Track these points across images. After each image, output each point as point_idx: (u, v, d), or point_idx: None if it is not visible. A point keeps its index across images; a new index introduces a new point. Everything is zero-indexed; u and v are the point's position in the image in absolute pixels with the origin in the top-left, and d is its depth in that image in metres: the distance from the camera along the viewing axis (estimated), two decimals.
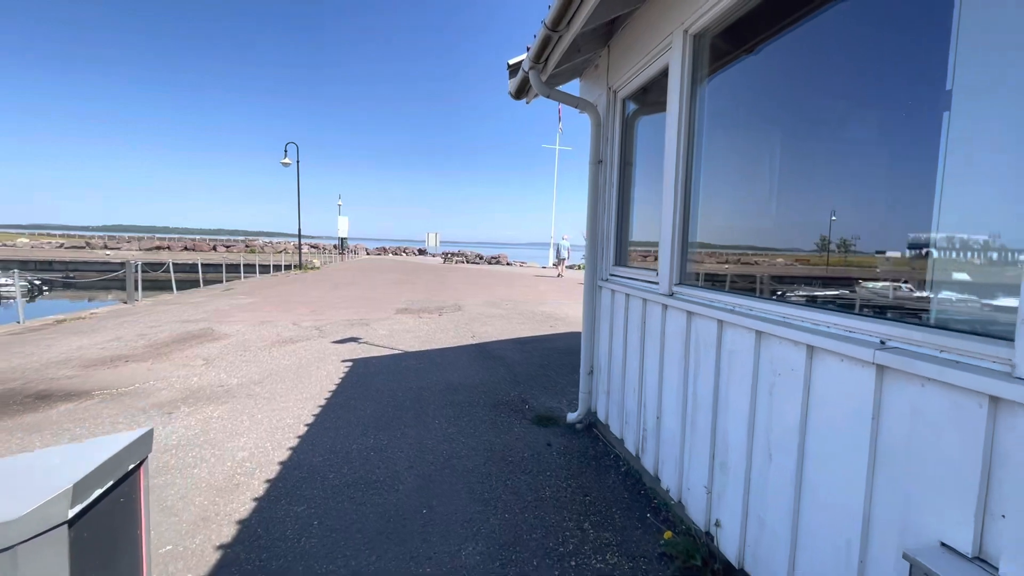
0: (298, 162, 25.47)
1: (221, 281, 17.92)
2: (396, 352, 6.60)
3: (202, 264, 18.16)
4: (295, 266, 26.26)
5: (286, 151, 24.70)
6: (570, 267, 32.32)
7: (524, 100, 4.25)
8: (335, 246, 46.83)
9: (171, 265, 14.62)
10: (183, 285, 16.28)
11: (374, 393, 4.75)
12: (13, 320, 8.76)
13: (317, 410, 4.28)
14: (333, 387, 4.96)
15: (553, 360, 6.16)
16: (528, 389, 4.96)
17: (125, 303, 11.58)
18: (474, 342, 7.27)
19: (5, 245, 48.52)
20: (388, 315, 9.99)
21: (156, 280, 26.33)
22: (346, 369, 5.67)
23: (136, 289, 12.15)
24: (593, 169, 3.74)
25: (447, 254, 45.31)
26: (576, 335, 7.82)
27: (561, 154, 32.51)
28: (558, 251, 25.20)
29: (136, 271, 12.45)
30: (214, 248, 50.25)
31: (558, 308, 11.38)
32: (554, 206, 32.21)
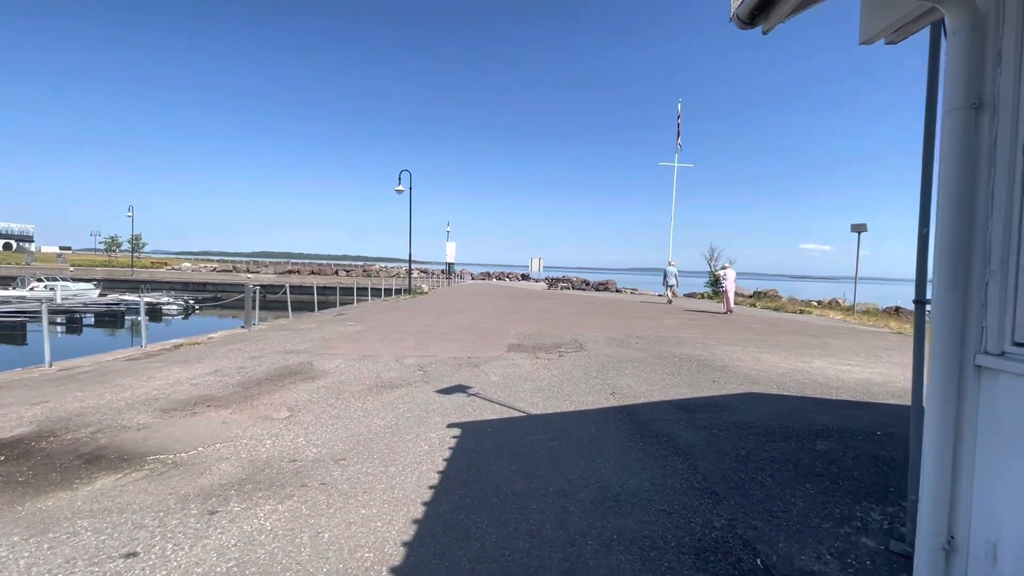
0: (411, 189, 25.83)
1: (336, 304, 18.03)
2: (516, 415, 4.99)
3: (322, 287, 18.56)
4: (405, 291, 26.44)
5: (400, 179, 25.16)
6: (688, 295, 29.14)
7: (760, 25, 2.47)
8: (442, 271, 47.82)
9: (288, 288, 14.72)
10: (306, 307, 16.53)
11: (495, 500, 3.13)
12: (140, 343, 8.72)
13: (410, 533, 2.75)
14: (436, 478, 3.43)
15: (755, 450, 4.12)
16: (741, 514, 3.02)
17: (243, 327, 11.48)
18: (617, 404, 5.44)
19: (172, 269, 56.52)
20: (499, 352, 8.52)
21: (280, 301, 28.28)
22: (453, 442, 4.16)
23: (254, 310, 12.12)
24: (957, 122, 1.83)
25: (551, 279, 43.91)
26: (765, 399, 5.65)
27: (680, 172, 29.76)
28: (666, 276, 23.02)
29: (255, 295, 12.48)
30: (336, 272, 54.06)
31: (708, 351, 9.13)
32: (672, 228, 29.41)
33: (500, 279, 57.32)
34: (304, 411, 4.97)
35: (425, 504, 3.06)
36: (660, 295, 29.00)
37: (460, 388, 6.01)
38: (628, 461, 3.80)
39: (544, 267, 50.56)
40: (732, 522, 2.90)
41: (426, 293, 26.47)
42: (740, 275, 35.19)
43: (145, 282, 39.54)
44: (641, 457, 3.88)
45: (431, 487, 3.30)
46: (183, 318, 28.04)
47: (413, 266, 34.41)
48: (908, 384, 7.20)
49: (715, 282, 28.66)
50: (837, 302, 23.42)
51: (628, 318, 15.21)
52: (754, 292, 28.27)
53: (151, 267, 56.89)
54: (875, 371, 7.71)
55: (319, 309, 15.99)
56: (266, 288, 16.24)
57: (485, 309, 17.08)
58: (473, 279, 55.98)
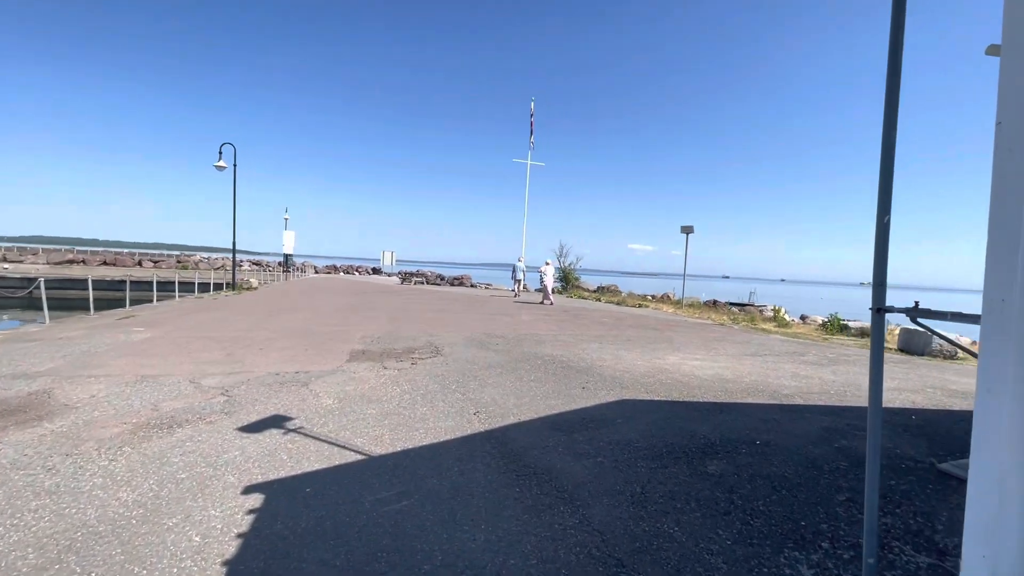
0: (235, 166, 21.90)
1: (126, 304, 14.16)
2: (352, 459, 3.70)
3: (109, 281, 14.40)
4: (228, 285, 22.41)
5: (220, 153, 21.13)
6: (539, 289, 29.94)
7: None
8: (280, 263, 42.48)
9: (43, 283, 10.90)
10: (100, 305, 12.56)
11: None
12: None
13: None
14: None
15: (649, 482, 3.45)
16: None
17: None
18: (483, 428, 4.45)
19: None
20: (338, 364, 6.99)
21: (65, 299, 21.81)
22: (248, 522, 2.74)
23: None
24: None
25: (405, 274, 41.84)
26: (639, 408, 5.14)
27: (533, 170, 30.34)
28: (515, 271, 23.56)
29: None
30: (139, 263, 44.54)
31: (569, 350, 8.72)
32: (524, 224, 29.85)
33: (349, 273, 53.22)
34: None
35: None
36: (512, 290, 29.29)
37: (276, 421, 4.47)
38: (504, 522, 2.81)
39: (397, 261, 48.23)
40: None
41: (254, 289, 22.78)
42: (584, 271, 37.54)
43: None
44: (520, 512, 2.93)
45: None
46: None
47: (246, 258, 29.64)
48: (753, 378, 7.68)
49: (563, 278, 29.83)
50: (668, 296, 25.95)
51: (486, 315, 14.53)
52: (598, 288, 30.09)
53: None
54: (720, 365, 8.00)
55: (98, 310, 12.29)
56: (31, 281, 11.97)
57: (327, 307, 14.94)
58: (317, 273, 51.03)
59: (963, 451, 4.13)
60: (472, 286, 35.91)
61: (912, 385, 7.09)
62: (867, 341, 13.11)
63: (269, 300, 17.03)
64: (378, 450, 3.86)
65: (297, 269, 44.51)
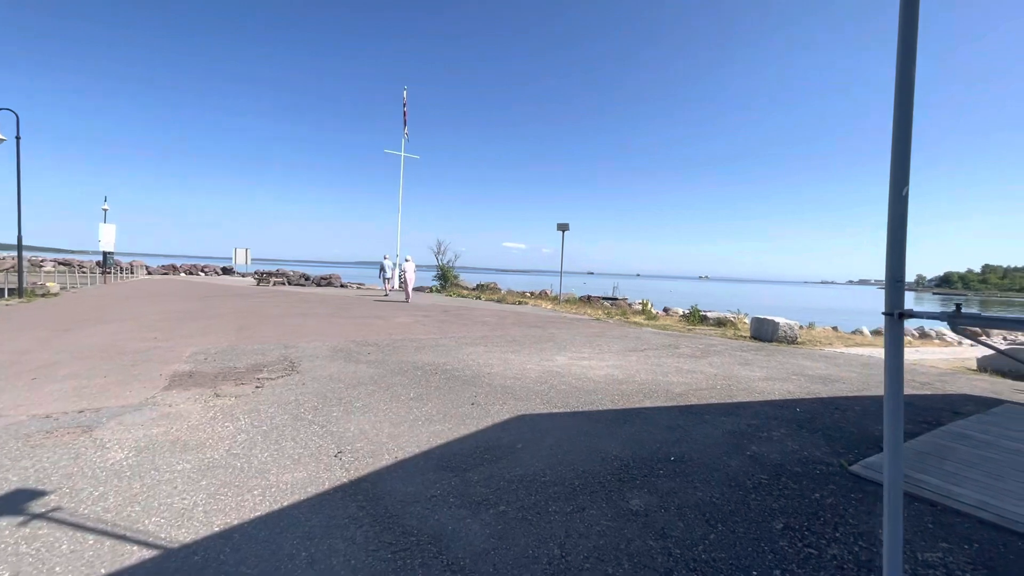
0: (18, 139, 17.11)
1: None
2: (135, 559, 2.41)
3: None
4: (11, 291, 17.52)
5: None
6: (417, 289, 28.59)
7: None
8: (98, 263, 35.07)
9: None
10: None
11: None
12: None
13: None
14: None
15: (567, 537, 2.70)
16: None
17: None
18: (347, 477, 3.37)
19: None
20: (150, 393, 5.28)
21: None
22: None
23: None
24: None
25: (262, 273, 37.20)
26: (540, 426, 4.41)
27: (409, 164, 28.80)
28: (382, 270, 22.65)
29: None
30: None
31: (452, 355, 7.82)
32: (399, 221, 28.22)
33: (192, 274, 46.12)
34: None
35: None
36: (393, 289, 27.54)
37: (17, 501, 2.92)
38: None
39: (254, 260, 42.92)
40: None
41: (54, 295, 18.15)
42: (463, 269, 36.86)
43: None
44: None
45: None
46: None
47: (55, 257, 23.62)
48: (644, 376, 7.36)
49: (442, 276, 28.83)
50: (546, 293, 26.35)
51: (356, 318, 12.99)
52: (477, 285, 29.60)
53: None
54: (609, 364, 7.75)
55: None
56: None
57: (151, 316, 12.14)
58: (150, 274, 43.38)
59: (858, 447, 4.11)
60: (342, 286, 33.14)
61: (779, 373, 7.48)
62: (725, 331, 14.30)
63: (71, 309, 13.47)
64: (182, 535, 2.60)
65: (123, 270, 37.17)
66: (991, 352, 10.09)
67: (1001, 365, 8.88)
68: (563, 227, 21.67)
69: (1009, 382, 7.94)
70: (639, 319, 16.43)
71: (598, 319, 15.89)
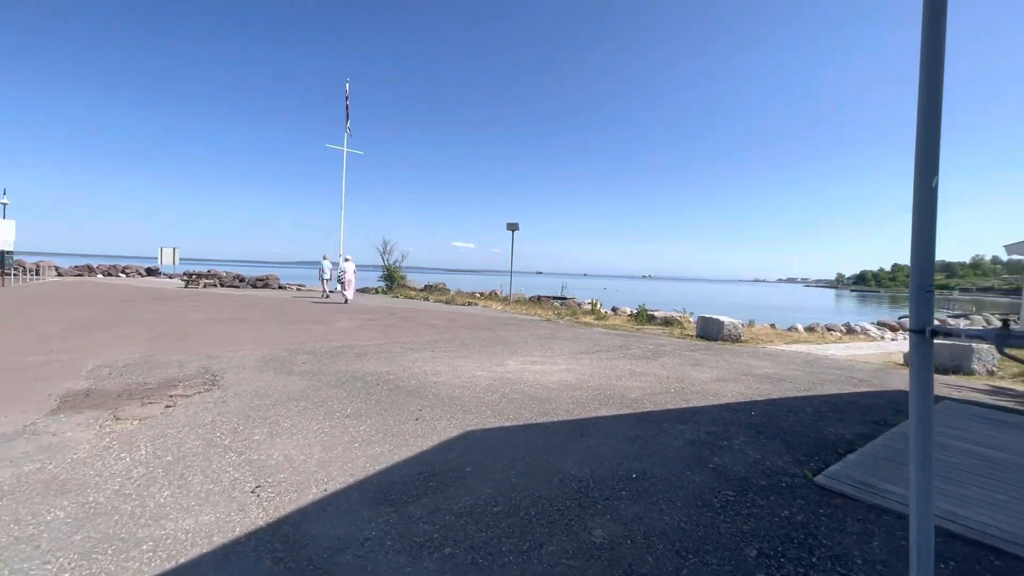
0: None
1: None
2: None
3: None
4: None
5: None
6: (362, 290, 27.51)
7: None
8: None
9: None
10: None
11: None
12: None
13: None
14: None
15: None
16: None
17: None
18: (264, 520, 2.84)
19: None
20: (31, 417, 4.45)
21: None
22: None
23: None
24: None
25: (192, 275, 34.57)
26: (490, 443, 4.01)
27: (353, 160, 27.63)
28: (321, 270, 21.59)
29: None
30: None
31: (397, 363, 7.29)
32: (343, 219, 27.04)
33: (111, 275, 42.31)
34: None
35: None
36: (333, 291, 26.33)
37: None
38: None
39: (183, 260, 39.92)
40: None
41: None
42: (409, 269, 35.83)
43: None
44: None
45: None
46: None
47: None
48: (598, 381, 7.10)
49: (388, 276, 27.88)
50: (496, 293, 26.02)
51: (293, 323, 12.11)
52: (425, 286, 28.83)
53: None
54: (561, 368, 7.50)
55: None
56: None
57: (51, 324, 10.73)
58: (61, 275, 39.35)
59: (818, 454, 4.02)
60: (281, 287, 31.35)
61: (729, 374, 7.49)
62: (672, 330, 14.50)
63: None
64: None
65: (27, 271, 33.41)
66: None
67: (704, 330, 9.54)
68: (513, 227, 21.43)
69: (935, 376, 8.36)
70: (589, 319, 16.42)
71: (549, 320, 15.73)
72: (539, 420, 4.79)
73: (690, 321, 15.98)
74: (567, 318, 16.61)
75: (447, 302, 21.51)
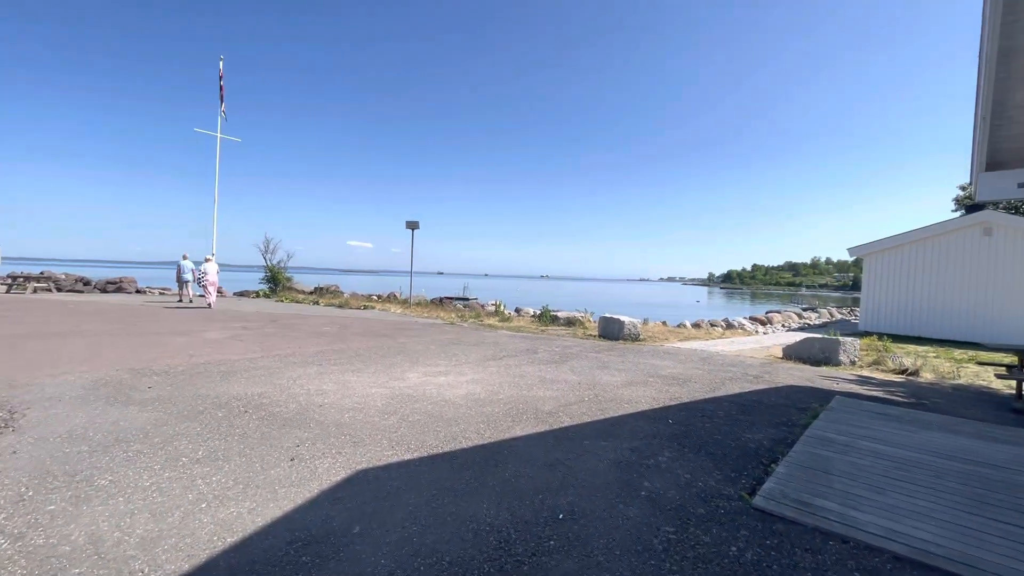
0: None
1: None
2: None
3: None
4: None
5: None
6: (242, 293, 24.59)
7: None
8: None
9: None
10: None
11: None
12: None
13: None
14: None
15: None
16: None
17: None
18: None
19: None
20: None
21: None
22: None
23: None
24: None
25: (16, 277, 28.43)
26: (384, 486, 3.21)
27: (229, 148, 24.53)
28: (179, 272, 18.75)
29: None
30: None
31: (274, 382, 6.13)
32: (215, 213, 23.94)
33: None
34: None
35: None
36: (198, 295, 23.16)
37: None
38: None
39: (7, 260, 32.84)
40: None
41: None
42: (297, 270, 32.87)
43: None
44: None
45: None
46: None
47: None
48: (508, 392, 5.90)
49: (272, 278, 25.22)
50: (395, 295, 24.66)
51: (147, 335, 10.10)
52: (315, 288, 26.52)
53: None
54: (468, 379, 6.87)
55: None
56: None
57: None
58: None
59: (745, 467, 3.81)
60: (138, 291, 26.97)
61: (637, 376, 7.39)
62: (575, 330, 14.54)
63: None
64: None
65: None
66: (792, 342, 11.65)
67: (800, 352, 10.18)
68: (412, 225, 20.36)
69: (810, 368, 9.05)
70: (493, 321, 15.98)
71: (452, 323, 15.02)
72: (446, 448, 4.11)
73: (591, 321, 16.22)
74: (471, 321, 16.02)
75: (340, 306, 19.84)
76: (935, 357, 11.12)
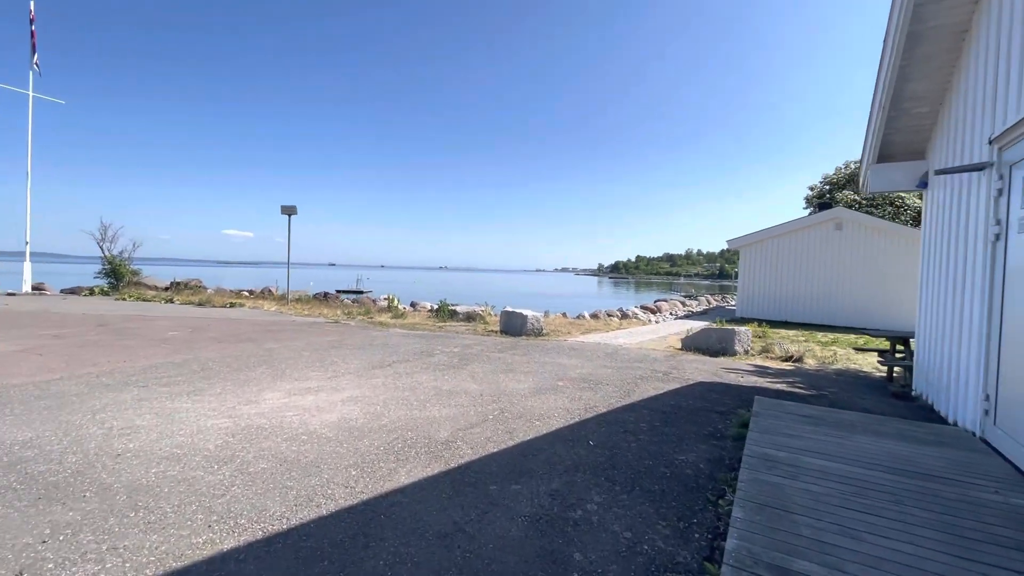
0: None
1: None
2: None
3: None
4: None
5: None
6: (71, 290, 20.18)
7: None
8: None
9: None
10: None
11: None
12: None
13: None
14: None
15: None
16: None
17: None
18: None
19: None
20: None
21: None
22: None
23: None
24: None
25: None
26: None
27: (47, 110, 19.78)
28: None
29: None
30: None
31: (69, 418, 4.32)
32: (28, 194, 19.31)
33: None
34: None
35: None
36: (11, 292, 18.54)
37: None
38: None
39: None
40: None
41: None
42: (159, 262, 27.98)
43: None
44: None
45: None
46: None
47: None
48: (394, 415, 4.59)
49: (112, 272, 21.04)
50: (270, 291, 21.80)
51: None
52: (171, 284, 22.64)
53: None
54: (344, 396, 5.57)
55: None
56: None
57: None
58: None
59: (694, 515, 3.06)
60: None
61: (546, 380, 6.60)
62: (475, 326, 13.59)
63: None
64: None
65: None
66: (685, 330, 11.76)
67: (698, 343, 10.20)
68: (289, 210, 17.92)
69: (710, 359, 8.99)
70: (385, 318, 14.47)
71: (336, 322, 13.28)
72: (293, 521, 2.86)
73: (492, 315, 15.38)
74: (360, 318, 14.36)
75: (200, 304, 16.89)
76: (804, 341, 11.90)
